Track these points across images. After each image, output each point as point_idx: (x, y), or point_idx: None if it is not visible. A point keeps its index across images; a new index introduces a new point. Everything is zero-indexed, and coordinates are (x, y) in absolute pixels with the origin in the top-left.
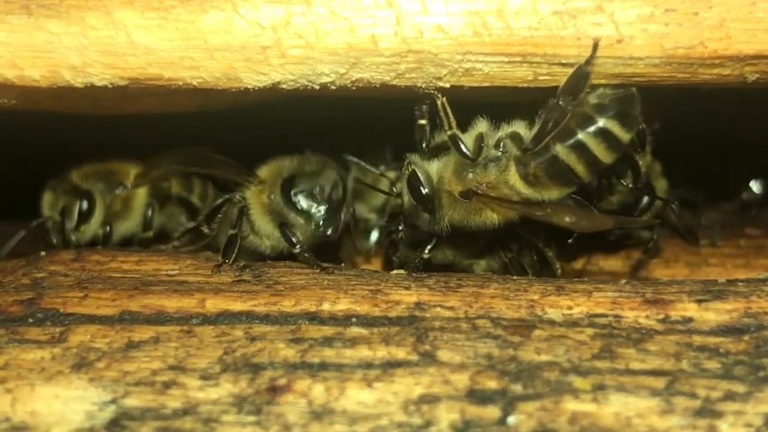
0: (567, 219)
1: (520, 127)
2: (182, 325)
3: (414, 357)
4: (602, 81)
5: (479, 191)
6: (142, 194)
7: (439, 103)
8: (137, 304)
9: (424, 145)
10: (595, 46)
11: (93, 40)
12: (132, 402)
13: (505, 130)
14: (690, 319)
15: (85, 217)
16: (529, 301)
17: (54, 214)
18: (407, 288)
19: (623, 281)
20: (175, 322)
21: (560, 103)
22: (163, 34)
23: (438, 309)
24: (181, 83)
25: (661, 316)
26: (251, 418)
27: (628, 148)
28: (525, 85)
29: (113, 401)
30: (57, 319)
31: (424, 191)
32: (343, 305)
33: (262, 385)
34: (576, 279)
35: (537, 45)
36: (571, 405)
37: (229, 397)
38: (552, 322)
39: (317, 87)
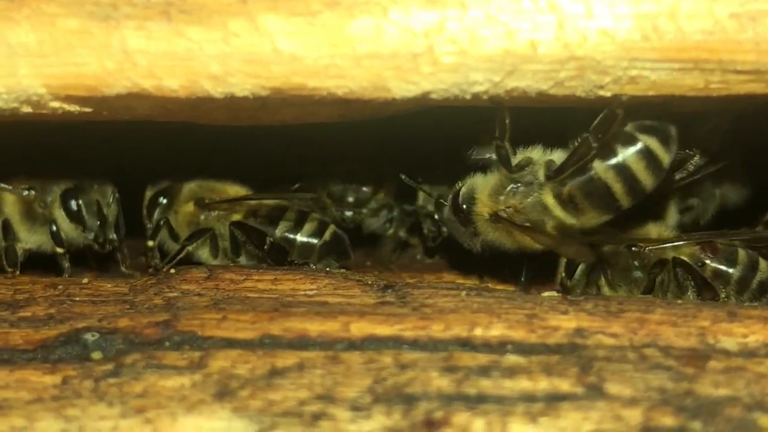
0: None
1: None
2: (327, 350)
3: (579, 389)
4: None
5: (504, 215)
6: None
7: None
8: (278, 327)
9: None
10: (620, 103)
11: (235, 48)
12: None
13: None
14: None
15: None
16: (699, 329)
17: None
18: (565, 312)
19: None
20: (319, 347)
21: (589, 138)
22: (309, 41)
23: (600, 336)
24: (325, 93)
25: None
26: None
27: None
28: (693, 93)
29: None
30: (195, 343)
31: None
32: (496, 331)
33: (417, 417)
34: (748, 304)
35: (711, 50)
36: None
37: (383, 430)
38: (726, 353)
39: (468, 97)
